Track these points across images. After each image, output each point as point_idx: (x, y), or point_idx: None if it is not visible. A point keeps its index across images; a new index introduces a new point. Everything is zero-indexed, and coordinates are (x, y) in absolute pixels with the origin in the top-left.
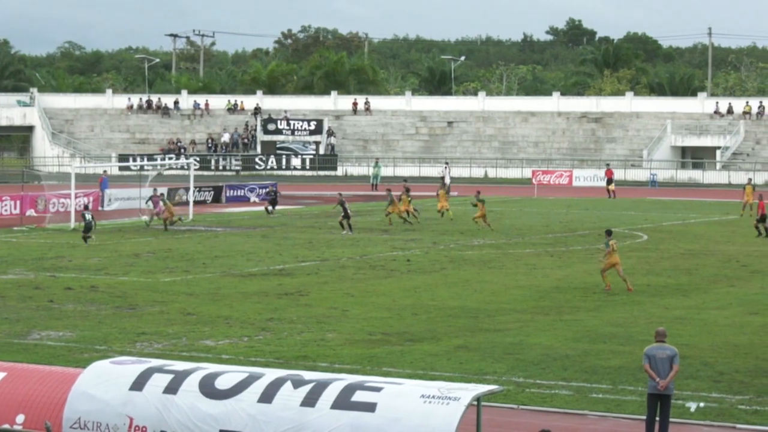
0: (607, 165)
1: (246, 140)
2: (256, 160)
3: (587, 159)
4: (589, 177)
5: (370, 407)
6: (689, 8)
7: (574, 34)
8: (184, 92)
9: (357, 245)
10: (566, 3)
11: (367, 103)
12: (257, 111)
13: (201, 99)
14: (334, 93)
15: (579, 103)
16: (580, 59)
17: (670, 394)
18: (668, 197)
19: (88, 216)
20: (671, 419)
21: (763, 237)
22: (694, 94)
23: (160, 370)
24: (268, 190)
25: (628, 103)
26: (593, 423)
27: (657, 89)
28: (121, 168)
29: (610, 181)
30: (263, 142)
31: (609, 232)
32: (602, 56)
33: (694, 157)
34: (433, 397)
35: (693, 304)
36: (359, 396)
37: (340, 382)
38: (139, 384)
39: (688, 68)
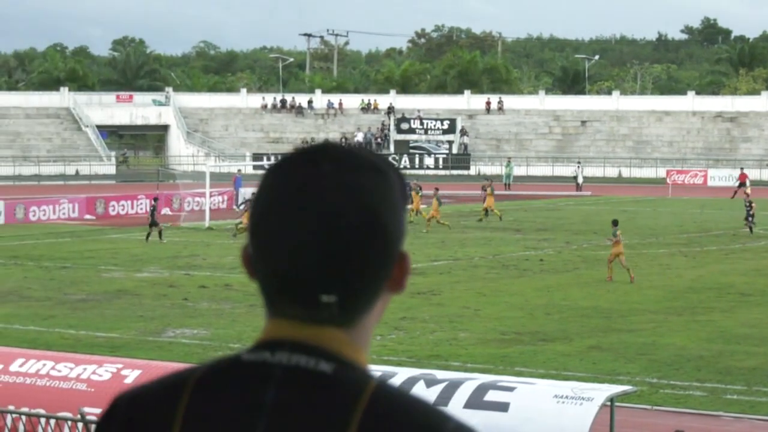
0: (742, 168)
1: (379, 140)
2: (390, 159)
3: (722, 159)
4: (725, 177)
5: (502, 407)
6: None
7: (709, 33)
8: (318, 91)
9: (489, 244)
10: (701, 2)
11: (500, 102)
12: (390, 110)
13: (335, 98)
14: (467, 92)
15: (714, 102)
16: (715, 58)
17: None
18: None
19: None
20: None
21: None
22: None
23: None
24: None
25: (764, 102)
26: (727, 424)
27: None
28: (255, 167)
29: (742, 183)
30: (396, 141)
31: (615, 222)
32: (737, 55)
33: None
34: (567, 397)
35: None
36: (492, 395)
37: (472, 381)
38: None
39: None
